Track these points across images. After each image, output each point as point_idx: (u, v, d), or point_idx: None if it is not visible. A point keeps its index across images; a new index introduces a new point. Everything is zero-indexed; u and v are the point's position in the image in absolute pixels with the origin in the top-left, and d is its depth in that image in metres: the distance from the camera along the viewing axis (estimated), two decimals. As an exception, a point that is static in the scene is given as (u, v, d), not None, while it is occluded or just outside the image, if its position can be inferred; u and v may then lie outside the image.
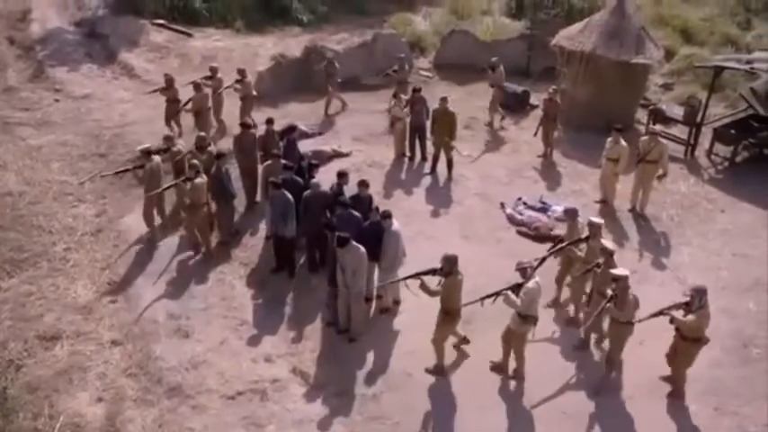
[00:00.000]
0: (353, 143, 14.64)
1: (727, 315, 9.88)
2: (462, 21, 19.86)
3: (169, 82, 14.17)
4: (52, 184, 13.31)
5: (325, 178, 11.16)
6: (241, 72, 14.74)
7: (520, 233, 11.97)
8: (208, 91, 14.24)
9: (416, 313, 10.12)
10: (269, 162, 11.38)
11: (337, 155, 14.00)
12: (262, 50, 18.03)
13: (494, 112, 15.54)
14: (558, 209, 12.32)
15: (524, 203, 12.59)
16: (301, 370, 9.33)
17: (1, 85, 17.11)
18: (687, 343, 8.29)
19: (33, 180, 13.39)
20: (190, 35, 19.29)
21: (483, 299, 8.46)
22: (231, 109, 14.87)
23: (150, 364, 9.42)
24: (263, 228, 11.60)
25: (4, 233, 11.83)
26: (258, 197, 12.35)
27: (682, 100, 15.82)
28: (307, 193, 10.50)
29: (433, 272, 8.58)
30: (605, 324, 9.02)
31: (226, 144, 13.35)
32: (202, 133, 12.71)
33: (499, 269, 10.52)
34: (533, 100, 16.34)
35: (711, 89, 14.68)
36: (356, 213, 9.97)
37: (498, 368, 9.15)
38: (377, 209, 10.12)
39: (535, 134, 14.17)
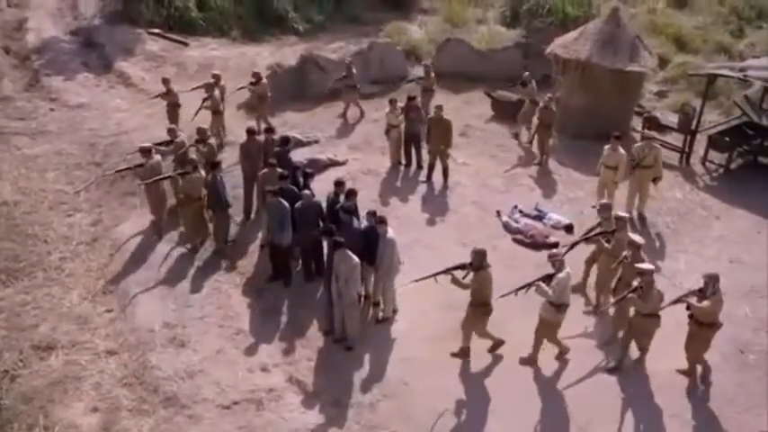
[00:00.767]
0: (349, 151, 14.66)
1: (723, 321, 9.87)
2: (457, 29, 19.93)
3: (168, 86, 14.39)
4: (48, 194, 13.30)
5: (320, 187, 11.17)
6: (256, 75, 14.97)
7: (516, 241, 11.98)
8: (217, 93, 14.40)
9: (413, 322, 10.14)
10: (265, 171, 11.37)
11: (333, 163, 14.00)
12: (258, 59, 18.06)
13: (522, 125, 15.29)
14: (554, 216, 12.36)
15: (520, 211, 12.60)
16: (298, 379, 9.30)
17: (-4, 95, 17.13)
18: (703, 328, 8.61)
19: (29, 189, 13.37)
20: (186, 44, 19.33)
21: (517, 290, 8.70)
22: (228, 120, 14.94)
23: (146, 373, 9.38)
24: (260, 236, 11.60)
25: (-1, 243, 11.81)
26: (254, 206, 12.35)
27: (676, 107, 15.88)
28: (298, 204, 10.47)
29: (462, 267, 8.80)
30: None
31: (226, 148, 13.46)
32: (203, 126, 12.84)
33: (495, 277, 10.52)
34: (529, 108, 16.37)
35: (705, 97, 14.75)
36: (357, 222, 9.99)
37: (529, 361, 9.30)
38: (373, 213, 10.12)
39: (530, 142, 14.21)
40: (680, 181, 13.88)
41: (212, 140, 12.73)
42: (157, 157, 11.77)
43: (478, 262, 8.72)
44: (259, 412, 8.83)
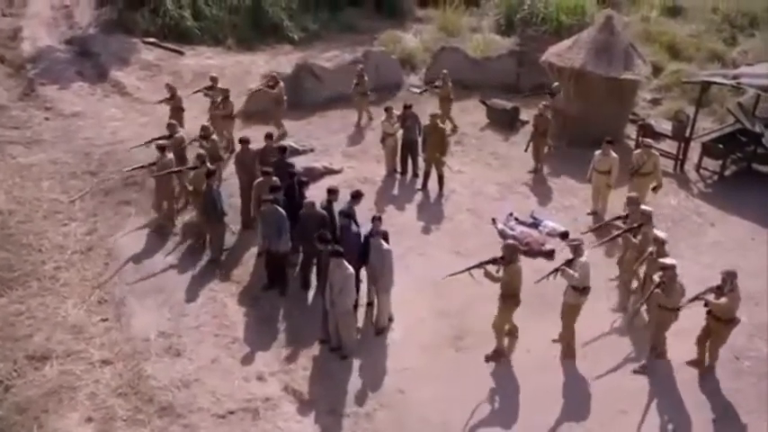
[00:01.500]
0: (345, 160, 14.68)
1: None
2: (452, 38, 20.00)
3: (172, 92, 14.60)
4: (42, 203, 13.24)
5: (316, 195, 11.17)
6: (273, 78, 15.20)
7: (511, 248, 11.98)
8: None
9: (409, 330, 10.14)
10: (261, 179, 11.37)
11: (329, 171, 14.02)
12: (253, 68, 18.09)
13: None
14: (550, 224, 12.38)
15: (516, 219, 12.62)
16: (294, 388, 9.27)
17: (-9, 104, 17.09)
18: (721, 324, 8.88)
19: (23, 199, 13.32)
20: (181, 53, 19.34)
21: (547, 276, 9.16)
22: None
23: (141, 383, 9.33)
24: (255, 245, 11.59)
25: (-7, 252, 11.76)
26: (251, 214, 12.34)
27: (670, 115, 15.94)
28: (302, 211, 10.47)
29: (494, 261, 9.20)
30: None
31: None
32: (205, 123, 13.21)
33: (491, 284, 10.51)
34: (523, 116, 16.43)
35: (699, 104, 14.83)
36: (356, 226, 10.00)
37: (563, 342, 9.64)
38: (379, 218, 10.15)
39: (526, 149, 14.25)
40: (674, 188, 13.93)
41: (215, 137, 13.03)
42: (170, 156, 12.05)
43: (509, 256, 9.09)
44: (255, 422, 8.80)
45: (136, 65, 18.81)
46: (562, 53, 15.45)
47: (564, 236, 12.11)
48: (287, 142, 14.43)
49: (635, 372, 9.41)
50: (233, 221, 12.21)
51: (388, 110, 14.05)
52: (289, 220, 10.58)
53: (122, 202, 13.26)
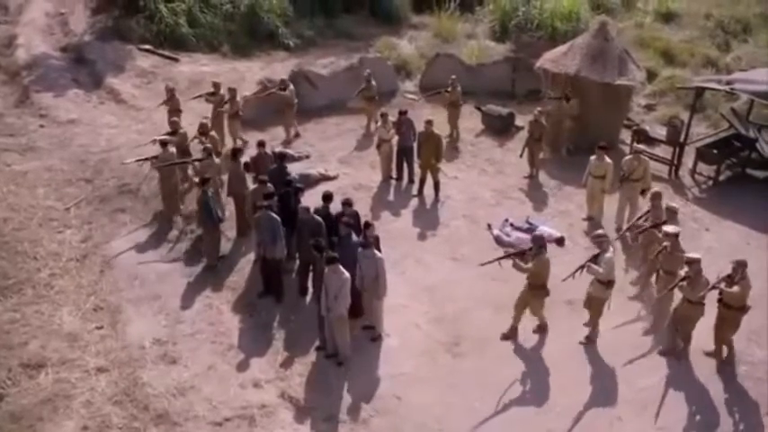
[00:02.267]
0: (340, 166, 14.68)
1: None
2: (447, 44, 20.04)
3: (170, 93, 14.80)
4: (37, 210, 13.21)
5: (311, 201, 11.17)
6: (283, 81, 15.52)
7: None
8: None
9: (404, 336, 10.13)
10: (256, 186, 11.36)
11: (324, 178, 14.02)
12: (248, 75, 18.09)
13: (565, 145, 15.25)
14: (545, 229, 12.39)
15: (511, 225, 12.64)
16: (290, 395, 9.26)
17: (-14, 111, 17.06)
18: (733, 312, 9.17)
19: (18, 206, 13.28)
20: (176, 60, 19.34)
21: (573, 273, 9.41)
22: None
23: (137, 390, 9.30)
24: (251, 252, 11.57)
25: (-12, 260, 11.72)
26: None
27: (664, 120, 16.02)
28: (300, 216, 10.48)
29: (522, 253, 9.69)
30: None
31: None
32: (204, 120, 13.75)
33: (487, 291, 10.55)
34: (518, 122, 16.47)
35: (693, 109, 14.89)
36: (357, 236, 10.02)
37: (590, 333, 10.00)
38: (366, 224, 10.18)
39: (521, 155, 14.28)
40: (669, 193, 13.93)
41: (213, 133, 13.51)
42: (172, 149, 12.54)
43: (538, 248, 9.46)
44: (251, 429, 8.78)
45: (131, 72, 18.79)
46: (557, 59, 15.50)
47: (560, 241, 12.14)
48: (282, 149, 14.45)
49: (660, 353, 9.72)
50: (227, 229, 12.20)
51: (383, 116, 14.07)
52: (284, 227, 10.57)
53: (118, 210, 13.24)
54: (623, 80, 14.87)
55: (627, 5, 22.40)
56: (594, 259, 9.46)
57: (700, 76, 17.32)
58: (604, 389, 9.27)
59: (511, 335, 10.08)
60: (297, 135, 15.93)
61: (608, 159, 12.32)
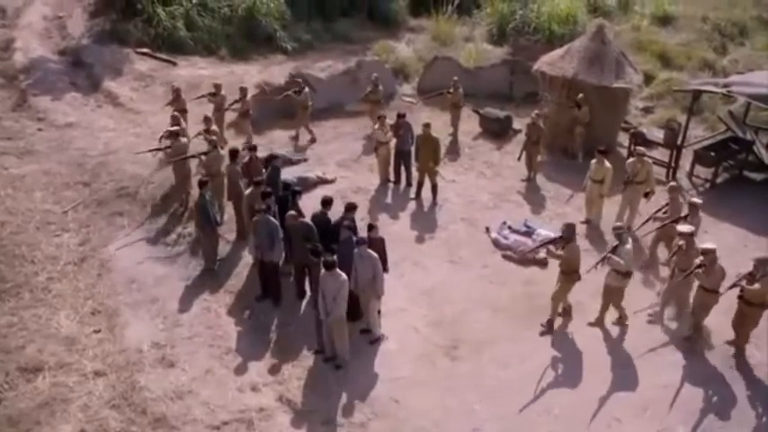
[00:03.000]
0: (338, 169, 14.69)
1: (713, 337, 10.02)
2: (445, 47, 20.09)
3: (176, 93, 15.04)
4: (35, 214, 13.20)
5: (310, 205, 11.17)
6: (298, 84, 15.77)
7: (505, 257, 12.00)
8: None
9: (402, 340, 10.12)
10: (251, 189, 11.35)
11: (322, 181, 14.02)
12: (246, 78, 18.09)
13: (580, 151, 15.11)
14: (543, 232, 12.39)
15: (509, 227, 12.63)
16: (288, 398, 9.24)
17: (-16, 115, 17.05)
18: (753, 308, 9.38)
19: (16, 209, 13.28)
20: (174, 64, 19.35)
21: (594, 266, 9.71)
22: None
23: (134, 394, 9.29)
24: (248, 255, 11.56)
25: (-15, 263, 11.69)
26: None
27: (662, 123, 16.05)
28: (288, 223, 10.47)
29: (554, 241, 10.13)
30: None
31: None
32: (207, 114, 14.02)
33: (485, 293, 10.56)
34: (516, 125, 16.49)
35: (690, 112, 14.91)
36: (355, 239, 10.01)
37: (597, 323, 10.31)
38: (369, 225, 10.22)
39: (519, 158, 14.30)
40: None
41: (215, 127, 13.76)
42: (184, 140, 12.99)
43: (569, 235, 9.81)
44: (249, 432, 8.77)
45: (129, 75, 18.81)
46: (554, 62, 15.53)
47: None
48: (280, 152, 14.45)
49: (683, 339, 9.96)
50: (226, 232, 12.19)
51: (380, 118, 14.07)
52: (282, 231, 10.56)
53: (115, 213, 13.23)
54: (620, 83, 14.92)
55: (624, 8, 22.52)
56: (614, 251, 9.65)
57: (697, 79, 17.40)
58: (604, 390, 9.26)
59: (548, 328, 10.32)
60: (313, 140, 15.92)
61: (608, 164, 12.32)
